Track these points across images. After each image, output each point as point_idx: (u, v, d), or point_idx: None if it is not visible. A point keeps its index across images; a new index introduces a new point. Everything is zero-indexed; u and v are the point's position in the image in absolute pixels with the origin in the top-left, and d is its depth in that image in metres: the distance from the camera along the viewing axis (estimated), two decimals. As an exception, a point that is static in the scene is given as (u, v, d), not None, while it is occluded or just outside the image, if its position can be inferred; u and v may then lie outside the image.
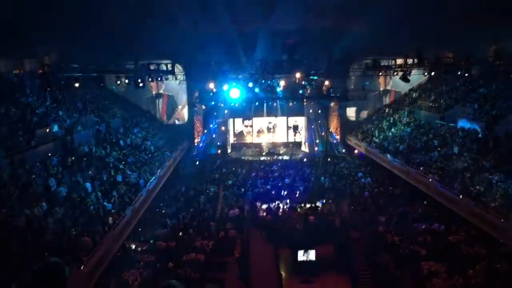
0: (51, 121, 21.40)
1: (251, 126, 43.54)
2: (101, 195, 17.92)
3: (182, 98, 41.02)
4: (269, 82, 31.31)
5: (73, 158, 19.73)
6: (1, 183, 14.55)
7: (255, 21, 29.31)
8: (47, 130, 20.12)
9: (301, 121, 43.45)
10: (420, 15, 27.02)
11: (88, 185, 17.95)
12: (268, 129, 43.44)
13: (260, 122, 43.33)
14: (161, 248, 18.08)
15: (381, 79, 41.30)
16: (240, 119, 43.24)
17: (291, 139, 43.51)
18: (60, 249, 12.42)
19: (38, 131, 19.26)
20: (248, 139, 43.57)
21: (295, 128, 43.59)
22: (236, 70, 30.18)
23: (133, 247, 18.49)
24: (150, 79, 30.72)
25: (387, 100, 42.15)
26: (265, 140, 42.56)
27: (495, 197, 17.54)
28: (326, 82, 35.26)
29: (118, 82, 29.88)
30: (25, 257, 11.51)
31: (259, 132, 43.54)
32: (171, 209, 23.73)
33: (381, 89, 42.08)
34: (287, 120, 43.27)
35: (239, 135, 43.74)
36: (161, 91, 40.84)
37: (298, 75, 31.82)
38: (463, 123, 25.88)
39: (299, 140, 43.50)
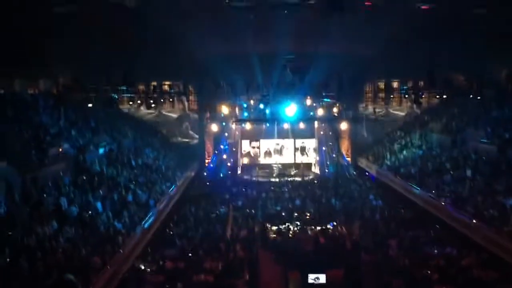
0: (64, 140, 21.62)
1: (259, 147, 43.48)
2: (112, 215, 17.96)
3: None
4: (280, 104, 31.47)
5: (84, 177, 19.85)
6: (13, 201, 14.66)
7: (267, 44, 29.66)
8: (60, 150, 20.30)
9: (311, 143, 43.37)
10: (432, 38, 27.18)
11: (99, 204, 18.01)
12: (276, 151, 43.32)
13: (268, 143, 43.26)
14: (169, 268, 17.97)
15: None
16: (248, 141, 43.25)
17: (298, 161, 43.32)
18: (70, 269, 12.40)
19: (51, 150, 19.43)
20: (255, 161, 43.48)
21: (303, 149, 43.48)
22: (247, 92, 30.44)
23: (142, 267, 18.39)
24: (162, 100, 31.03)
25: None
26: (274, 161, 42.48)
27: (508, 221, 17.29)
28: (338, 104, 35.40)
29: (131, 103, 30.22)
30: (35, 276, 11.53)
31: (266, 153, 43.44)
32: (180, 229, 23.64)
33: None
34: (295, 142, 43.17)
35: (247, 156, 43.71)
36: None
37: (309, 97, 31.97)
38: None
39: (306, 162, 43.31)
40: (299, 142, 43.35)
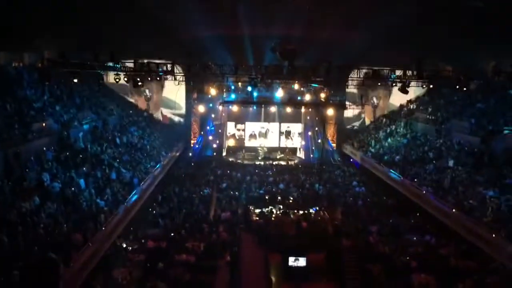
0: (48, 115, 21.34)
1: (244, 130, 43.60)
2: (94, 192, 17.86)
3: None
4: (268, 87, 31.31)
5: (68, 153, 19.66)
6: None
7: (257, 26, 29.43)
8: (44, 125, 20.04)
9: (298, 127, 43.55)
10: (421, 28, 27.21)
11: (81, 181, 17.89)
12: (261, 134, 43.47)
13: (253, 126, 43.38)
14: (151, 247, 18.02)
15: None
16: (233, 123, 43.33)
17: (283, 145, 43.60)
18: (51, 245, 12.36)
19: (34, 125, 19.18)
20: (240, 143, 43.63)
21: (287, 134, 43.73)
22: (236, 73, 30.13)
23: (124, 245, 18.42)
24: (149, 79, 30.59)
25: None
26: (258, 144, 42.63)
27: (487, 212, 17.60)
28: (325, 90, 35.31)
29: (117, 80, 29.68)
30: (17, 251, 11.47)
31: (251, 136, 43.57)
32: (164, 209, 23.65)
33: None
34: (280, 126, 43.36)
35: (232, 138, 43.84)
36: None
37: (297, 81, 31.82)
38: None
39: (291, 146, 43.62)
40: (285, 126, 43.61)
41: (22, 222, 12.91)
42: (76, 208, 15.83)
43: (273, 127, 43.44)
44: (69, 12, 23.86)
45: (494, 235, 15.98)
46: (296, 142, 44.08)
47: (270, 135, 43.63)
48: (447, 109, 30.91)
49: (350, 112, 42.43)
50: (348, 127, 42.46)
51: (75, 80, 25.94)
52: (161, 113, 43.21)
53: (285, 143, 43.85)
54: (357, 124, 44.10)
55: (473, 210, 18.36)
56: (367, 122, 43.08)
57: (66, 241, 13.32)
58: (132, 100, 40.77)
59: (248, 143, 43.49)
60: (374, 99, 43.56)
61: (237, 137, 43.83)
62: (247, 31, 30.16)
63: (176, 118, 43.15)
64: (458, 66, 28.83)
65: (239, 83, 32.74)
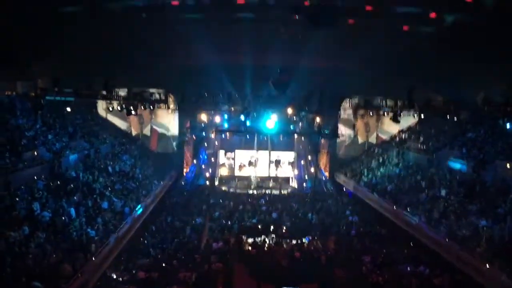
0: (40, 144, 21.27)
1: (233, 158, 43.45)
2: (85, 222, 17.67)
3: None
4: (261, 116, 31.54)
5: (59, 182, 19.53)
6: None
7: (249, 56, 29.81)
8: (35, 153, 19.96)
9: (288, 156, 43.51)
10: (412, 59, 27.69)
11: (72, 210, 17.71)
12: (250, 163, 43.26)
13: (242, 155, 43.24)
14: (142, 278, 17.73)
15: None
16: (223, 151, 43.24)
17: (273, 174, 43.30)
18: (40, 275, 12.15)
19: (25, 153, 19.09)
20: (232, 172, 43.46)
21: (277, 162, 43.53)
22: (228, 102, 30.46)
23: (114, 276, 18.12)
24: (142, 107, 30.77)
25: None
26: (248, 174, 42.50)
27: (480, 242, 17.56)
28: (317, 119, 35.60)
29: (110, 109, 29.87)
30: (4, 281, 11.26)
31: (240, 167, 43.37)
32: (155, 239, 23.39)
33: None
34: (270, 155, 43.18)
35: (224, 167, 43.71)
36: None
37: (290, 110, 32.12)
38: (453, 164, 26.12)
39: (281, 175, 43.36)
40: (274, 155, 43.42)
41: (10, 252, 12.72)
42: (66, 237, 15.63)
43: (263, 156, 43.27)
44: (63, 40, 24.09)
45: (487, 265, 15.91)
46: (286, 171, 43.90)
47: (260, 164, 43.43)
48: (438, 139, 31.14)
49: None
50: (341, 155, 42.27)
51: (68, 109, 26.03)
52: (151, 128, 41.30)
53: (275, 172, 43.64)
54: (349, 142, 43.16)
55: (466, 240, 18.32)
56: (360, 141, 42.61)
57: (55, 271, 13.10)
58: (125, 122, 39.95)
59: (237, 172, 43.30)
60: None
61: (227, 166, 43.72)
62: (241, 61, 30.52)
63: (168, 133, 41.35)
64: (448, 97, 29.20)
65: (232, 112, 32.99)
